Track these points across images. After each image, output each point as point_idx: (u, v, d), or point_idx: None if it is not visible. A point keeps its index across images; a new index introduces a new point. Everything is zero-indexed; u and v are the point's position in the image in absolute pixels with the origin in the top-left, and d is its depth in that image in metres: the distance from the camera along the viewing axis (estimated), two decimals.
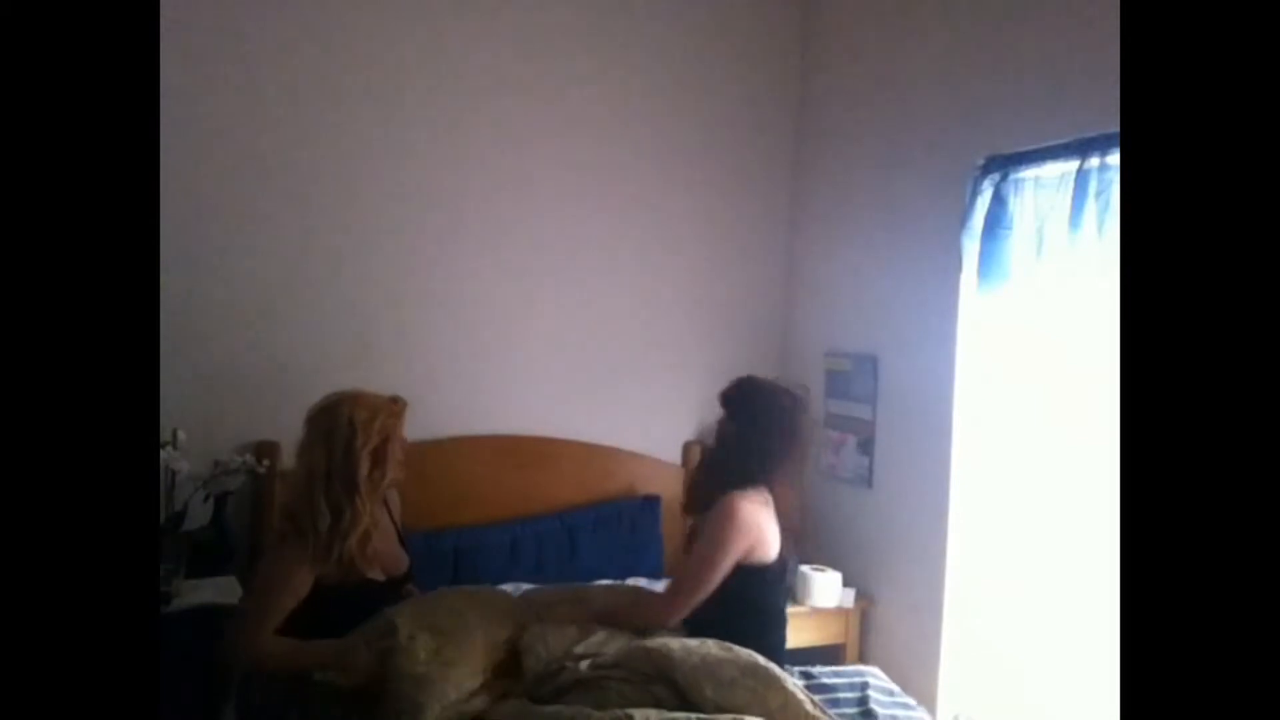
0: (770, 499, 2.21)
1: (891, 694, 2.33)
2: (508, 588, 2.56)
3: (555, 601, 2.31)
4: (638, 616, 2.16)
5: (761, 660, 1.98)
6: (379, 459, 2.13)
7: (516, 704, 1.94)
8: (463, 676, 1.96)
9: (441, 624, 2.02)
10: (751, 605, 2.19)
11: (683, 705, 1.90)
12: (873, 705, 2.25)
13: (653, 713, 1.84)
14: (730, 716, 1.83)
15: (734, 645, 2.01)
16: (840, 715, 2.14)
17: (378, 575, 2.18)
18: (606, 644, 2.08)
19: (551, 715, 1.86)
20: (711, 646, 2.02)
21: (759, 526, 2.16)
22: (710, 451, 2.37)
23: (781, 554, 2.24)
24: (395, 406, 2.21)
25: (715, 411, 3.53)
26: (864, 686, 2.32)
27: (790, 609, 2.96)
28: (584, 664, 2.03)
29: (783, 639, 2.30)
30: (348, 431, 2.12)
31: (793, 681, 1.96)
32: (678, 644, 2.01)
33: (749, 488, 2.18)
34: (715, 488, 2.21)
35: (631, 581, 3.02)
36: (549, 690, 1.99)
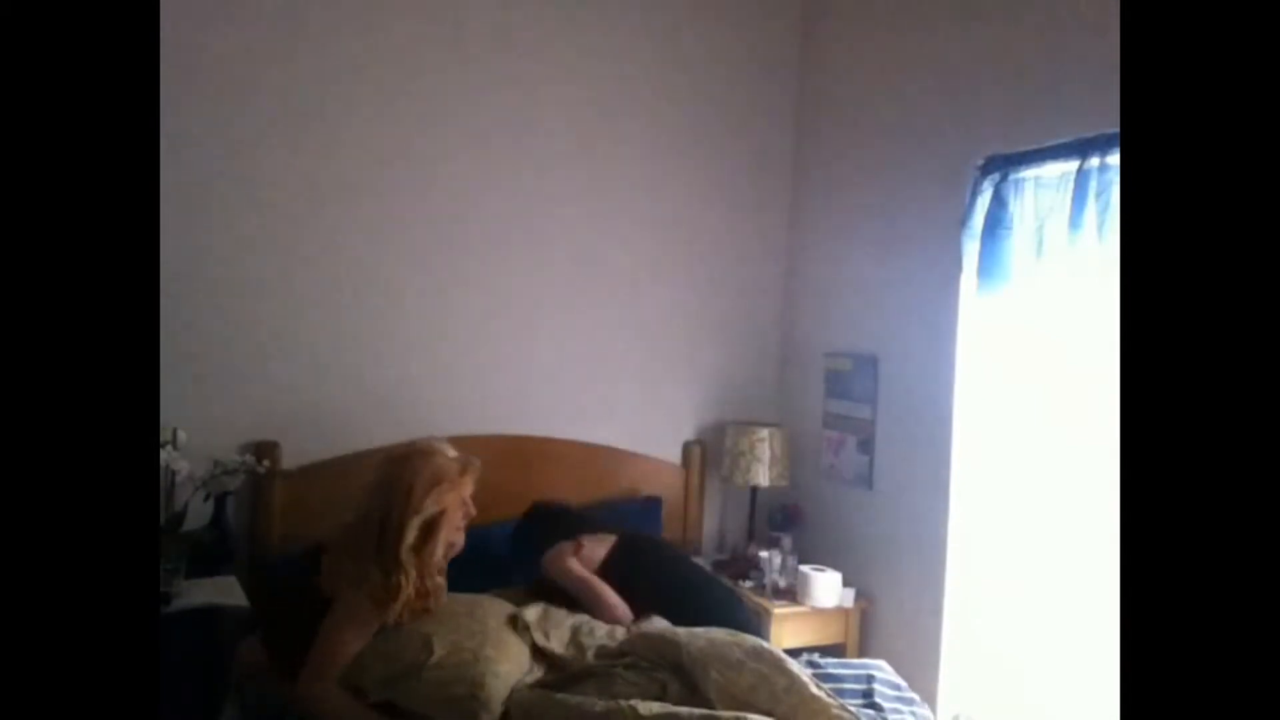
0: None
1: (898, 688, 2.33)
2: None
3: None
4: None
5: (766, 645, 2.06)
6: (430, 531, 2.06)
7: (532, 692, 1.99)
8: (511, 672, 2.01)
9: (466, 628, 2.07)
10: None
11: (689, 691, 1.94)
12: (878, 699, 2.25)
13: (655, 705, 1.86)
14: (733, 714, 1.85)
15: (739, 632, 2.12)
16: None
17: None
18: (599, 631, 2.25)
19: (559, 703, 1.91)
20: (716, 633, 2.11)
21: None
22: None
23: None
24: (464, 477, 2.14)
25: (716, 411, 3.55)
26: (870, 679, 2.32)
27: (790, 609, 2.99)
28: (590, 653, 2.11)
29: None
30: (404, 495, 2.05)
31: (797, 665, 2.01)
32: (684, 631, 2.10)
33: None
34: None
35: None
36: (561, 679, 2.04)
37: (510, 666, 2.02)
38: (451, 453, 2.20)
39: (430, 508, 2.06)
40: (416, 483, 2.07)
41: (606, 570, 2.52)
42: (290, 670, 2.01)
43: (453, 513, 2.13)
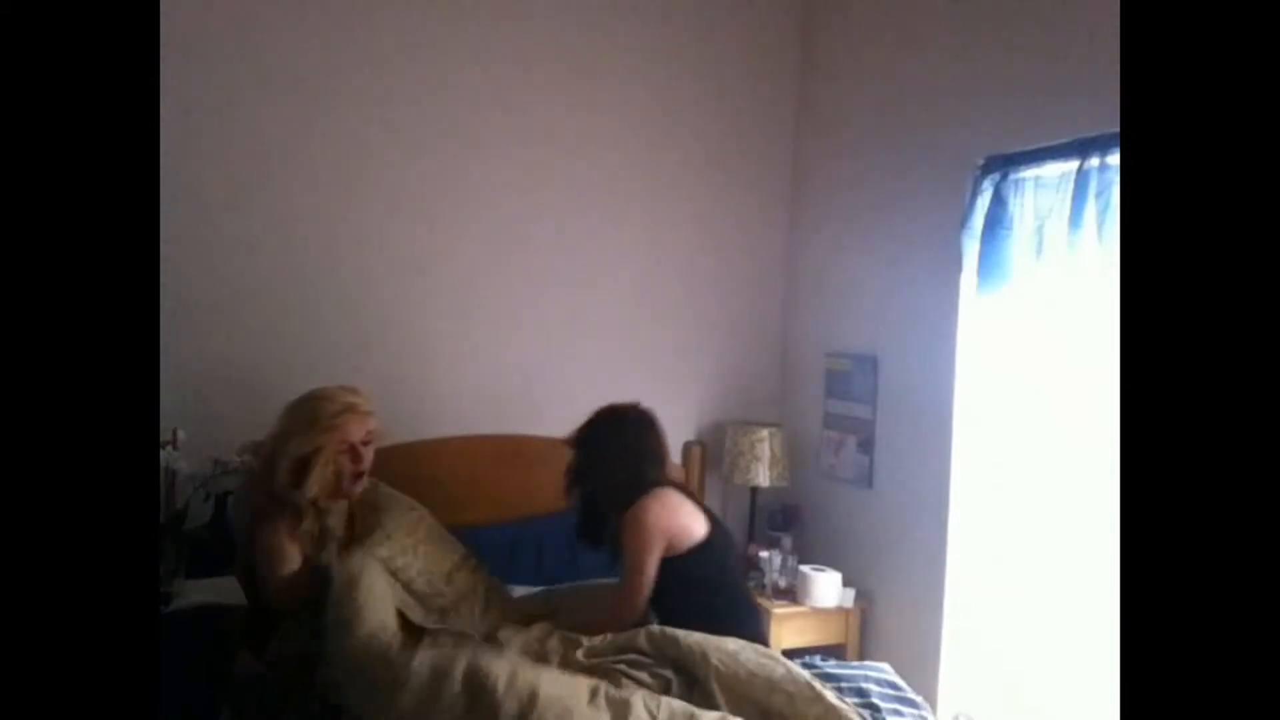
0: (673, 491, 2.38)
1: (897, 689, 2.32)
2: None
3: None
4: (612, 625, 2.25)
5: (765, 648, 2.11)
6: (298, 471, 2.15)
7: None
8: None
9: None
10: (696, 584, 2.30)
11: (687, 685, 1.95)
12: (875, 700, 2.24)
13: (664, 699, 1.89)
14: (718, 715, 1.86)
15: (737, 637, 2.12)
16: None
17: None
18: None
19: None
20: (712, 636, 2.11)
21: (668, 521, 2.30)
22: (585, 482, 2.48)
23: (711, 532, 2.35)
24: (340, 419, 2.21)
25: (716, 411, 3.55)
26: (867, 681, 2.31)
27: (790, 609, 2.99)
28: (579, 652, 2.11)
29: (737, 603, 2.38)
30: (281, 438, 2.18)
31: (795, 665, 2.03)
32: (682, 631, 2.10)
33: (644, 495, 2.32)
34: (609, 509, 2.39)
35: None
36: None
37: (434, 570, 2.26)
38: (346, 398, 2.27)
39: (301, 447, 2.16)
40: (293, 427, 2.19)
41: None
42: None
43: (329, 451, 2.19)
